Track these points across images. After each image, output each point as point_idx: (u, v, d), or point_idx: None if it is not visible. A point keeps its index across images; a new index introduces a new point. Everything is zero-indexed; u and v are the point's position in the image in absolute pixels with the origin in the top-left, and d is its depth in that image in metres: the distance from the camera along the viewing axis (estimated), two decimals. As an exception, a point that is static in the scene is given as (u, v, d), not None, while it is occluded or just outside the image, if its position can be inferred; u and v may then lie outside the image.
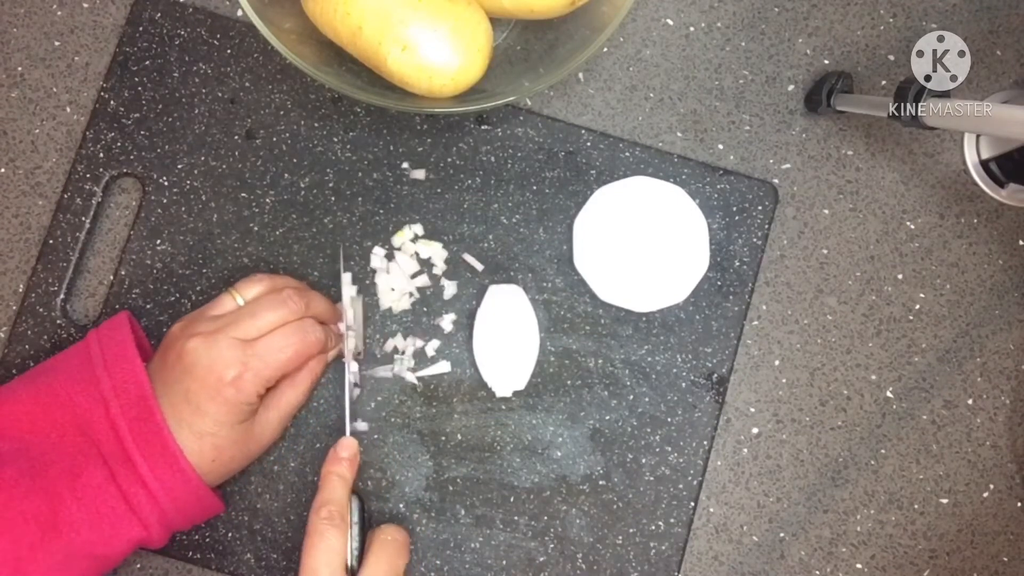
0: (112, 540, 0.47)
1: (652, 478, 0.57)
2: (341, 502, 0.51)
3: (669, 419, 0.57)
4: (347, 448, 0.54)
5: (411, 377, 0.57)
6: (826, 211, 0.60)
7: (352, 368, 0.56)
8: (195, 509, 0.50)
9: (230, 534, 0.56)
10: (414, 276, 0.58)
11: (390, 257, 0.58)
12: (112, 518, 0.47)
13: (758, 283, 0.59)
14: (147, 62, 0.59)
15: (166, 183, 0.58)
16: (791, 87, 0.61)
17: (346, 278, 0.56)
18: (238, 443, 0.50)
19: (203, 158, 0.58)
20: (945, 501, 0.59)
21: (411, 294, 0.58)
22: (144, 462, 0.47)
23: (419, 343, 0.57)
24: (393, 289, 0.57)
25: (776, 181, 0.60)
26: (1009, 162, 0.59)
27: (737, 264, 0.58)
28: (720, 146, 0.60)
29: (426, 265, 0.58)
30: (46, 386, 0.49)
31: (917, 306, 0.60)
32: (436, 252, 0.58)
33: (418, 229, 0.58)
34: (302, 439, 0.56)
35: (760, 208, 0.59)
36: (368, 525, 0.54)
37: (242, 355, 0.49)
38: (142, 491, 0.47)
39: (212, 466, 0.50)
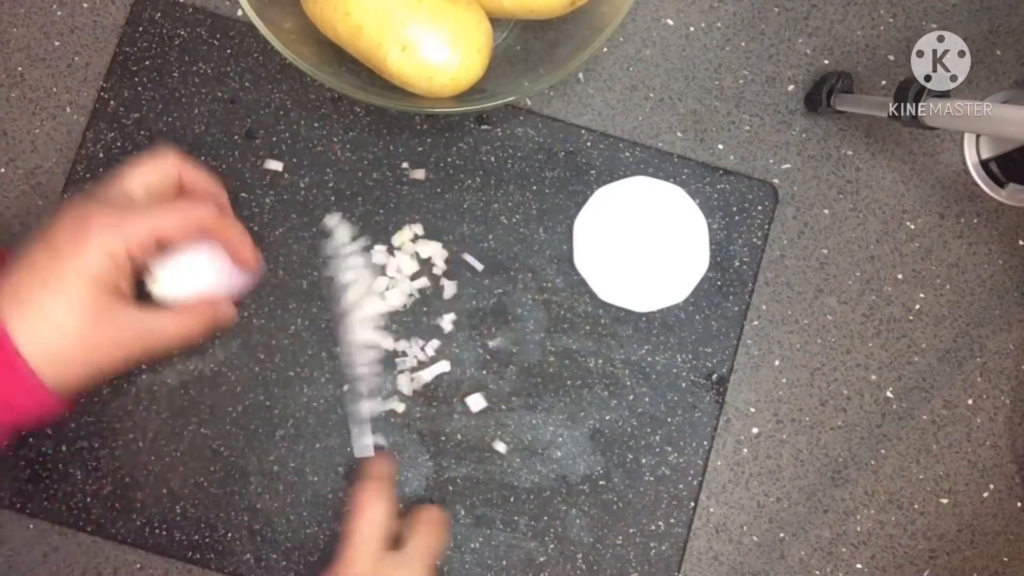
0: None
1: (652, 478, 0.57)
2: (390, 479, 0.53)
3: (669, 419, 0.57)
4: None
5: (411, 377, 0.57)
6: (826, 211, 0.60)
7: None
8: (24, 400, 0.46)
9: (230, 534, 0.56)
10: (414, 276, 0.58)
11: (390, 256, 0.58)
12: None
13: (758, 283, 0.59)
14: (147, 62, 0.59)
15: (166, 183, 0.58)
16: (791, 87, 0.61)
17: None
18: (105, 326, 0.47)
19: (203, 158, 0.58)
20: (945, 501, 0.59)
21: (411, 294, 0.58)
22: None
23: (419, 343, 0.57)
24: (393, 288, 0.57)
25: (776, 181, 0.60)
26: (1009, 162, 0.59)
27: (737, 264, 0.58)
28: (720, 146, 0.60)
29: (426, 265, 0.58)
30: None
31: (917, 306, 0.60)
32: (436, 252, 0.58)
33: (418, 229, 0.58)
34: (301, 439, 0.56)
35: (760, 208, 0.59)
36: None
37: (120, 206, 0.48)
38: None
39: (67, 351, 0.46)
